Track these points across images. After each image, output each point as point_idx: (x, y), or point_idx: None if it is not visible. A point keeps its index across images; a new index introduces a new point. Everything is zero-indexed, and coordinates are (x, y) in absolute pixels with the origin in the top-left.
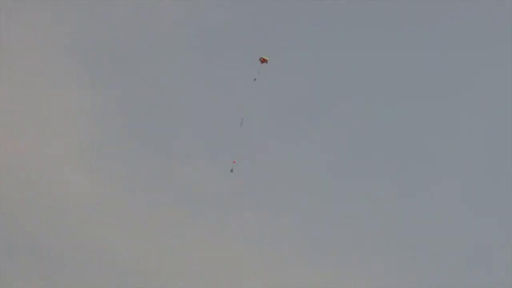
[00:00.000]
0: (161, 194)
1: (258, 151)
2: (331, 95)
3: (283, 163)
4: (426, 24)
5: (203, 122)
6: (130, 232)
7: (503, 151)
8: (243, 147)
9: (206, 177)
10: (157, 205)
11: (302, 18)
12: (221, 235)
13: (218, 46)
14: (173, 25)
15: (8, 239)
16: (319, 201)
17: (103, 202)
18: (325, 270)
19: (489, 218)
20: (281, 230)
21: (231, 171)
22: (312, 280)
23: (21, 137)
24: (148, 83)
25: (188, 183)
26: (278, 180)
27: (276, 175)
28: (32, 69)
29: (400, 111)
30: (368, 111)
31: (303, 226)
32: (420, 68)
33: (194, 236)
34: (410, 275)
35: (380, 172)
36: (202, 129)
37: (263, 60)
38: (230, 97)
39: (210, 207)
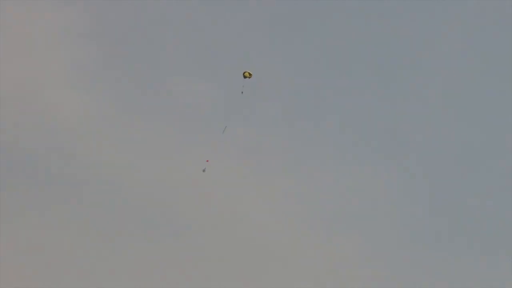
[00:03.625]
0: (154, 110)
1: (246, 65)
2: (321, 11)
3: (273, 76)
4: None
5: (195, 39)
6: (124, 149)
7: (488, 56)
8: (232, 62)
9: (198, 92)
10: (150, 121)
11: None
12: (214, 150)
13: None
14: None
15: (5, 161)
16: (310, 114)
17: (97, 120)
18: (319, 181)
19: (476, 121)
20: (272, 143)
21: (203, 170)
22: (306, 190)
23: (15, 57)
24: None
25: (180, 99)
26: (268, 93)
27: (266, 88)
28: None
29: (387, 25)
30: (358, 27)
31: (295, 139)
32: None
33: (187, 152)
34: (403, 180)
35: (370, 82)
36: (194, 46)
37: (247, 75)
38: (223, 14)
39: (202, 122)
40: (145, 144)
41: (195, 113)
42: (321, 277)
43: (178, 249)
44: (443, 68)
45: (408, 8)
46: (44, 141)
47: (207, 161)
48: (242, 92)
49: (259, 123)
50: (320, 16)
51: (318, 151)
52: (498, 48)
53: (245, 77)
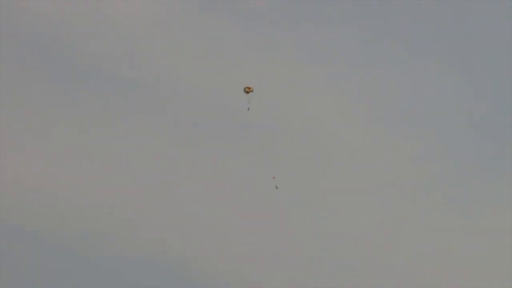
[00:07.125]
0: (220, 14)
1: None
2: None
3: None
4: None
5: None
6: (190, 53)
7: None
8: None
9: None
10: (216, 25)
11: None
12: (278, 52)
13: None
14: None
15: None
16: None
17: (163, 24)
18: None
19: None
20: (338, 46)
21: (276, 187)
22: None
23: None
24: None
25: (246, 4)
26: None
27: None
28: None
29: None
30: None
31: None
32: None
33: (255, 55)
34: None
35: None
36: None
37: (248, 90)
38: None
39: (266, 24)
40: (212, 48)
41: (259, 18)
42: (384, 175)
43: (247, 149)
44: None
45: None
46: (110, 45)
47: (274, 177)
48: (248, 109)
49: (325, 27)
50: None
51: (384, 53)
52: None
53: (246, 92)
